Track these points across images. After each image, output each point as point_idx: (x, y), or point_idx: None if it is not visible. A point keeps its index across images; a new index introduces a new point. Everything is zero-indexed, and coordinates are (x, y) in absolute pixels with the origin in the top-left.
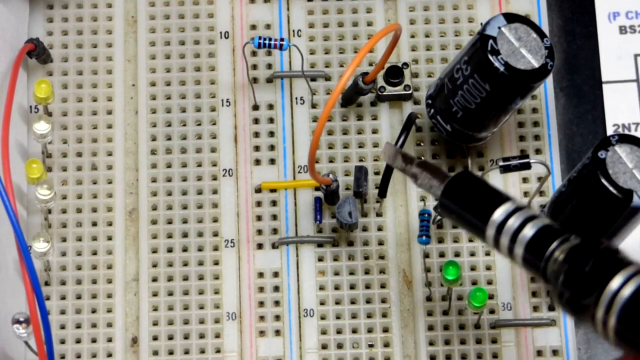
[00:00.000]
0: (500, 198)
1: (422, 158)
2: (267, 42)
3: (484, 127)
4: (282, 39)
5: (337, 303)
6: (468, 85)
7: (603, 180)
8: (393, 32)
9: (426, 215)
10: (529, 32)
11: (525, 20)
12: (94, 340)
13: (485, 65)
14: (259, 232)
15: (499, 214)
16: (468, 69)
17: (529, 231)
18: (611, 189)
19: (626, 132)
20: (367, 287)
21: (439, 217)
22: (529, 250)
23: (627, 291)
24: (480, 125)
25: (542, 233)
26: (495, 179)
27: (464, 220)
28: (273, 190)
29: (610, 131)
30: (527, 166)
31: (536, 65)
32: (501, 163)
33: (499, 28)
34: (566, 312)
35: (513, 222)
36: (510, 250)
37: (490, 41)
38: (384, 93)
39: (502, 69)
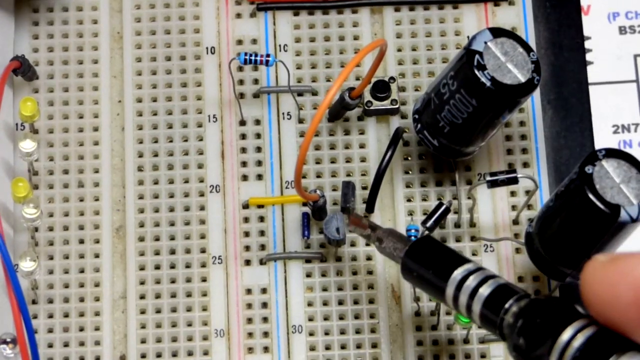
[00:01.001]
0: (461, 260)
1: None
2: (252, 58)
3: (471, 141)
4: (268, 55)
5: (325, 319)
6: (455, 100)
7: (590, 196)
8: (379, 48)
9: (413, 231)
10: (515, 46)
11: (511, 34)
12: (82, 359)
13: (471, 80)
14: (247, 248)
15: (458, 272)
16: (454, 83)
17: (486, 289)
18: (598, 204)
19: (626, 132)
20: (356, 302)
21: (427, 233)
22: (487, 306)
23: (578, 342)
24: (467, 140)
25: (499, 290)
26: (483, 193)
27: (425, 280)
28: (261, 206)
29: (605, 137)
30: (515, 181)
31: (522, 80)
32: (488, 178)
33: (485, 43)
34: None
35: (472, 281)
36: (469, 307)
37: (477, 56)
38: (371, 108)
39: (488, 84)
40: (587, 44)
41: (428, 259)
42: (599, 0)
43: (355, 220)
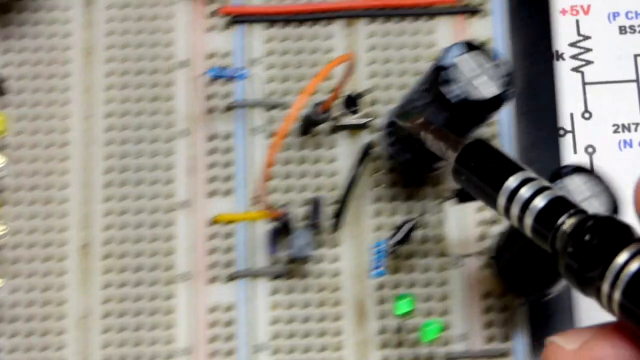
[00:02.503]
0: (514, 167)
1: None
2: (223, 73)
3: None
4: (242, 68)
5: (290, 337)
6: (428, 113)
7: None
8: (348, 62)
9: (376, 248)
10: (489, 59)
11: (483, 48)
12: None
13: (441, 96)
14: (213, 265)
15: (510, 182)
16: (426, 98)
17: (540, 202)
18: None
19: (626, 132)
20: (321, 319)
21: (393, 248)
22: (539, 220)
23: (634, 266)
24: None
25: (553, 204)
26: (452, 209)
27: (476, 188)
28: (229, 222)
29: (606, 134)
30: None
31: (495, 92)
32: (455, 195)
33: (457, 56)
34: (572, 284)
35: (525, 192)
36: (520, 220)
37: (446, 71)
38: (341, 123)
39: (454, 100)
40: (587, 44)
41: (479, 166)
42: (599, 0)
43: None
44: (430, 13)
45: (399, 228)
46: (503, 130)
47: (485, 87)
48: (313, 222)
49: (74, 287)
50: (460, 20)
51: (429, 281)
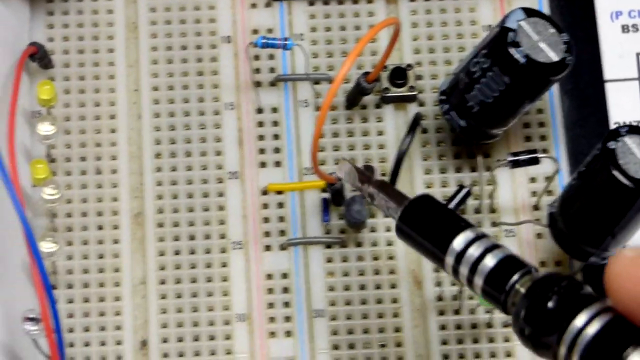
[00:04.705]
0: (461, 225)
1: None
2: (270, 41)
3: (499, 122)
4: (286, 39)
5: (347, 304)
6: (486, 78)
7: (614, 171)
8: (393, 27)
9: None
10: (547, 26)
11: (543, 15)
12: (102, 344)
13: (506, 57)
14: (267, 234)
15: (458, 242)
16: (487, 62)
17: (489, 261)
18: (622, 178)
19: None
20: (378, 287)
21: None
22: (489, 281)
23: (592, 329)
24: (495, 120)
25: (503, 264)
26: (504, 175)
27: (422, 247)
28: (279, 192)
29: None
30: (536, 161)
31: (556, 59)
32: (510, 158)
33: (518, 22)
34: (527, 347)
35: (473, 251)
36: (470, 281)
37: (511, 33)
38: (388, 94)
39: (522, 61)
40: None
41: (425, 224)
42: None
43: (345, 165)
44: None
45: (454, 195)
46: (548, 105)
47: (548, 52)
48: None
49: (128, 254)
50: None
51: None
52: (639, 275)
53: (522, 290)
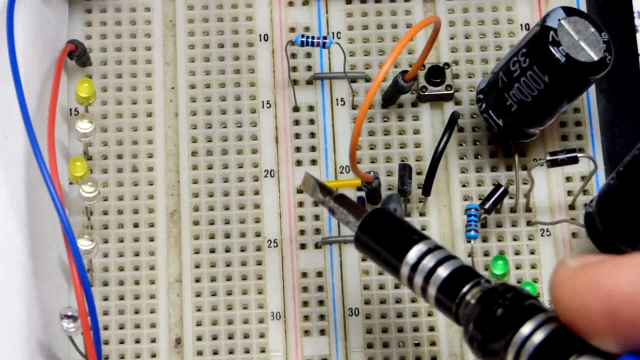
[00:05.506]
0: (416, 237)
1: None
2: (310, 40)
3: (537, 121)
4: (325, 37)
5: (382, 302)
6: (526, 77)
7: None
8: (433, 27)
9: (473, 210)
10: (588, 25)
11: (583, 14)
12: (137, 341)
13: (546, 56)
14: (302, 232)
15: (414, 252)
16: (527, 60)
17: (442, 272)
18: None
19: None
20: None
21: (484, 215)
22: (442, 290)
23: (538, 338)
24: (534, 119)
25: (456, 274)
26: (540, 174)
27: (379, 257)
28: None
29: None
30: (575, 160)
31: (596, 58)
32: (548, 157)
33: (559, 20)
34: (476, 355)
35: (427, 262)
36: (424, 290)
37: (552, 32)
38: (426, 93)
39: (563, 60)
40: None
41: (382, 236)
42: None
43: (308, 179)
44: None
45: (492, 194)
46: (585, 104)
47: (589, 51)
48: (403, 187)
49: (163, 252)
50: None
51: (517, 249)
52: (578, 287)
53: (473, 301)
